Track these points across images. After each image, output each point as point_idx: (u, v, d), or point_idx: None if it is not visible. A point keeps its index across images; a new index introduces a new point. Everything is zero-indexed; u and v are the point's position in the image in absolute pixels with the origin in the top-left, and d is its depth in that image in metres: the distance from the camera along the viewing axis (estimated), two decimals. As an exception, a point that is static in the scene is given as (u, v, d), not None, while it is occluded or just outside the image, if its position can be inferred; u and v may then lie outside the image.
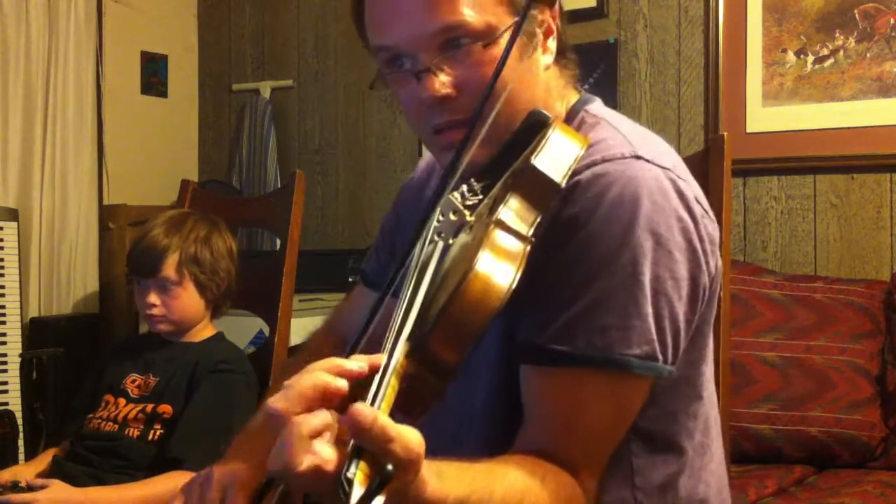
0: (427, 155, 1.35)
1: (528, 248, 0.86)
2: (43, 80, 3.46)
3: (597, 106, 1.15)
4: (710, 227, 1.07)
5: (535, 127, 1.00)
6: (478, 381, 1.09)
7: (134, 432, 1.81)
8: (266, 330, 2.06)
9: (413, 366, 0.77)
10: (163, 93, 3.98)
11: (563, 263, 1.00)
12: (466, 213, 0.91)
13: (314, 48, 3.84)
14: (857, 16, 2.71)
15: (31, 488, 1.71)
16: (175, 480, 1.60)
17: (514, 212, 0.89)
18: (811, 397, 2.37)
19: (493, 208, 0.90)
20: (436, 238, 0.89)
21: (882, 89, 2.67)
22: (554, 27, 1.10)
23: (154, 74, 3.94)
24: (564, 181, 0.94)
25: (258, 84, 3.93)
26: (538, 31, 1.08)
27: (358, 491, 0.64)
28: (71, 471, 1.79)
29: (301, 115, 3.88)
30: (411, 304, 0.80)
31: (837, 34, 2.73)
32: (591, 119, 1.12)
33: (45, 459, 1.90)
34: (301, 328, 1.99)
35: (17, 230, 3.20)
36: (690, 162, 1.16)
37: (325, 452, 0.68)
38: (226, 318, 2.02)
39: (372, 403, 0.70)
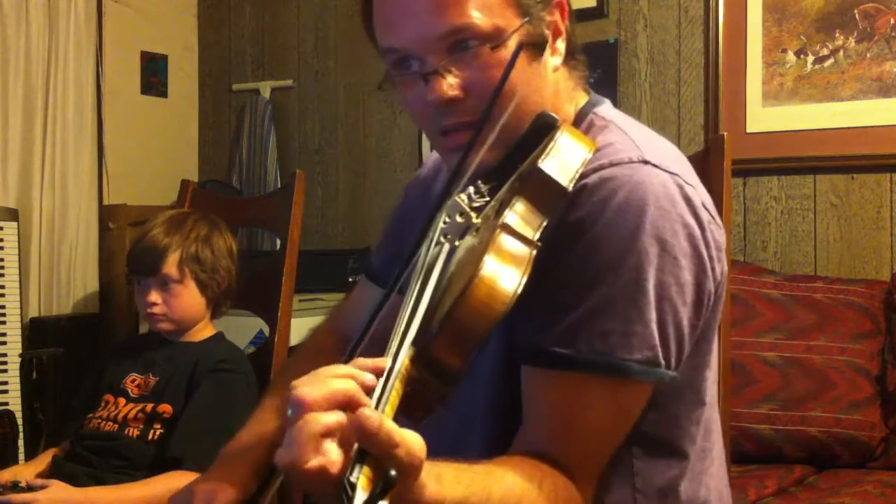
0: (435, 152, 1.35)
1: (534, 252, 0.86)
2: (43, 80, 3.46)
3: (606, 108, 1.15)
4: (717, 232, 1.07)
5: (543, 129, 1.00)
6: (479, 381, 1.09)
7: (134, 432, 1.81)
8: (266, 330, 2.06)
9: (417, 370, 0.77)
10: (163, 93, 3.98)
11: (567, 266, 1.00)
12: (473, 215, 0.91)
13: (314, 48, 3.84)
14: (857, 16, 2.71)
15: (31, 488, 1.71)
16: (175, 480, 1.60)
17: (520, 216, 0.89)
18: (811, 397, 2.37)
19: (499, 211, 0.90)
20: (442, 240, 0.89)
21: (882, 89, 2.67)
22: (563, 28, 1.10)
23: (154, 74, 3.94)
24: (571, 185, 0.94)
25: (258, 84, 3.93)
26: (547, 32, 1.08)
27: (361, 496, 0.64)
28: (71, 471, 1.79)
29: (301, 115, 3.88)
30: (416, 308, 0.80)
31: (837, 34, 2.73)
32: (600, 122, 1.11)
33: (44, 459, 1.89)
34: (301, 328, 1.98)
35: (17, 230, 3.20)
36: (690, 162, 1.15)
37: (332, 454, 0.68)
38: (226, 318, 2.02)
39: (376, 407, 0.71)
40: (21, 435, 2.76)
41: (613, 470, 1.06)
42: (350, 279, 3.00)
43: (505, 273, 0.82)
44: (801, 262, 2.79)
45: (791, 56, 2.80)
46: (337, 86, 3.79)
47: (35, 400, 2.75)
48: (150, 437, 1.80)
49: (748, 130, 2.86)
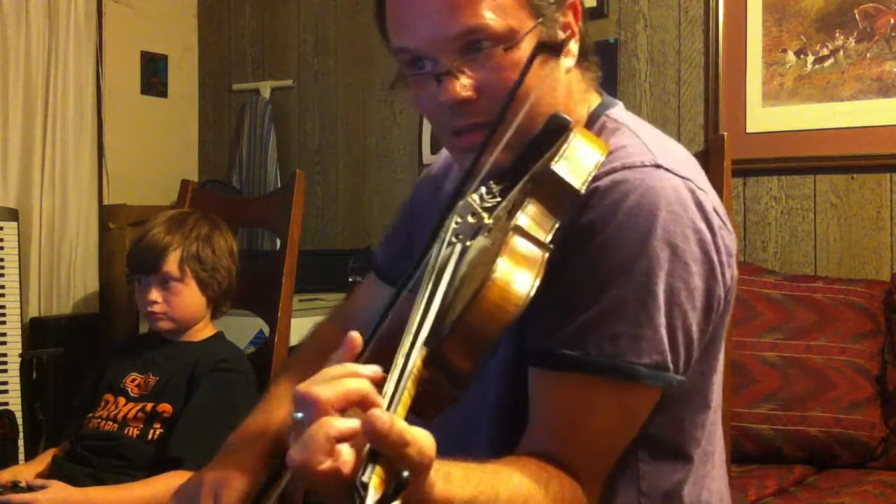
0: (445, 150, 1.34)
1: (547, 255, 0.86)
2: (43, 80, 3.46)
3: (618, 111, 1.15)
4: (728, 238, 1.07)
5: (556, 131, 1.00)
6: (487, 381, 1.09)
7: (133, 432, 1.81)
8: (266, 330, 2.06)
9: (430, 371, 0.77)
10: (163, 93, 3.98)
11: (578, 269, 1.00)
12: (485, 216, 0.91)
13: (314, 48, 3.84)
14: (857, 16, 2.71)
15: (31, 488, 1.71)
16: (174, 480, 1.59)
17: (532, 218, 0.89)
18: (811, 397, 2.37)
19: (511, 212, 0.90)
20: (453, 240, 0.89)
21: (882, 89, 2.67)
22: (576, 29, 1.10)
23: (154, 74, 3.94)
24: (584, 188, 0.94)
25: (258, 84, 3.93)
26: (560, 34, 1.07)
27: (373, 496, 0.64)
28: (70, 471, 1.79)
29: (301, 115, 3.88)
30: (428, 308, 0.80)
31: (837, 34, 2.73)
32: (612, 124, 1.11)
33: (44, 459, 1.89)
34: (301, 328, 1.98)
35: (17, 230, 3.20)
36: (691, 162, 1.15)
37: (345, 455, 0.68)
38: (226, 318, 2.02)
39: (388, 407, 0.71)
40: (21, 435, 2.77)
41: (619, 473, 1.06)
42: (350, 279, 3.00)
43: (518, 276, 0.82)
44: (801, 262, 2.79)
45: (791, 56, 2.80)
46: (337, 86, 3.79)
47: (35, 400, 2.75)
48: (149, 436, 1.80)
49: (748, 130, 2.86)
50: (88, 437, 1.84)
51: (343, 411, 0.71)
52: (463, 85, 1.02)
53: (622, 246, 0.99)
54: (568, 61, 1.09)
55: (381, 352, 0.79)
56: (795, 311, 2.48)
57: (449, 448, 0.78)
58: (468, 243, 0.88)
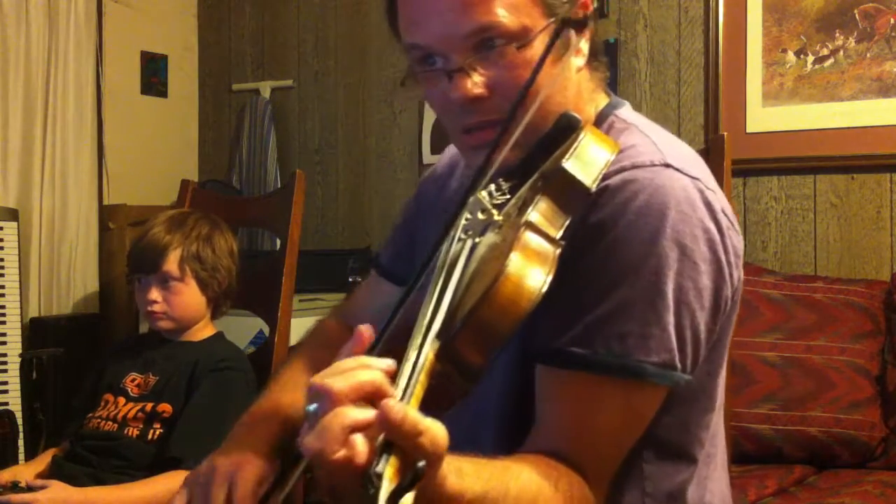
0: (450, 149, 1.34)
1: (558, 251, 0.87)
2: (43, 80, 3.46)
3: (626, 111, 1.15)
4: (735, 239, 1.07)
5: (566, 130, 1.00)
6: (495, 377, 1.09)
7: (133, 431, 1.81)
8: (266, 330, 2.06)
9: (441, 364, 0.78)
10: (163, 93, 3.97)
11: (587, 267, 1.00)
12: (495, 212, 0.91)
13: (314, 48, 3.84)
14: (857, 16, 2.71)
15: (30, 488, 1.71)
16: (175, 480, 1.59)
17: (543, 215, 0.89)
18: (811, 397, 2.37)
19: (521, 209, 0.90)
20: (463, 236, 0.89)
21: (882, 89, 2.67)
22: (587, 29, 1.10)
23: (154, 74, 3.94)
24: (595, 185, 0.94)
25: (258, 84, 3.93)
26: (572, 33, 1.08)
27: (387, 486, 0.64)
28: (70, 471, 1.79)
29: (301, 115, 3.88)
30: (440, 303, 0.80)
31: (837, 34, 2.73)
32: (621, 124, 1.12)
33: (44, 459, 1.89)
34: (301, 328, 1.98)
35: (17, 230, 3.20)
36: (692, 162, 1.16)
37: (359, 445, 0.69)
38: (226, 318, 2.02)
39: (402, 399, 0.71)
40: (21, 435, 2.77)
41: (625, 473, 1.05)
42: (350, 279, 3.00)
43: (531, 271, 0.82)
44: (801, 263, 2.79)
45: (791, 56, 2.80)
46: (337, 86, 3.79)
47: (35, 400, 2.75)
48: (149, 436, 1.80)
49: (748, 130, 2.86)
50: (88, 437, 1.84)
51: (356, 403, 0.71)
52: (475, 82, 1.02)
53: (631, 245, 0.99)
54: (578, 60, 1.09)
55: (388, 349, 0.79)
56: (795, 311, 2.48)
57: (460, 442, 0.77)
58: (478, 240, 0.88)
